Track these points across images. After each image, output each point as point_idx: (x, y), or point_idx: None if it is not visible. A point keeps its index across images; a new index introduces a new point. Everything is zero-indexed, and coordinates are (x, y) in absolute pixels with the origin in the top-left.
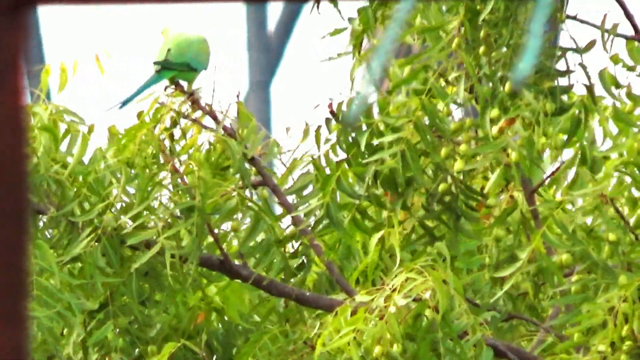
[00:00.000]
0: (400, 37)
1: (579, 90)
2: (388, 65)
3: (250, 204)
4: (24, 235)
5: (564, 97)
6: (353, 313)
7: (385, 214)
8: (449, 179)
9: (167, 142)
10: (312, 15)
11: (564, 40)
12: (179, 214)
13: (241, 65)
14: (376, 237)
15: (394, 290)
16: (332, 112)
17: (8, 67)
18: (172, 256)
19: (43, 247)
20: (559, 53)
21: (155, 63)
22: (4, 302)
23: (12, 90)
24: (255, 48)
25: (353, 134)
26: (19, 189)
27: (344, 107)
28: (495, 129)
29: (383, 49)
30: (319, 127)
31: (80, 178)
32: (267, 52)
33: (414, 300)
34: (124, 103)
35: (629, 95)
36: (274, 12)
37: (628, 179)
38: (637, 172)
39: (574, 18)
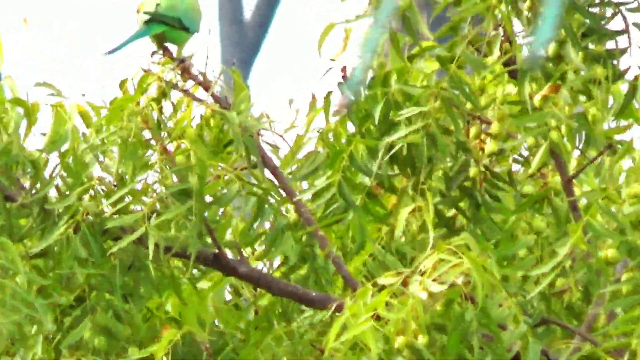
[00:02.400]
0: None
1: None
2: (384, 37)
3: (255, 188)
4: None
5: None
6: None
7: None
8: (473, 162)
9: (154, 115)
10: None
11: None
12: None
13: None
14: (406, 210)
15: (423, 273)
16: (344, 78)
17: None
18: (158, 245)
19: (5, 242)
20: (612, 11)
21: (144, 13)
22: None
23: None
24: (228, 24)
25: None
26: None
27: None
28: (537, 99)
29: (380, 19)
30: (329, 93)
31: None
32: (241, 29)
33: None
34: (110, 52)
35: None
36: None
37: None
38: None
39: None
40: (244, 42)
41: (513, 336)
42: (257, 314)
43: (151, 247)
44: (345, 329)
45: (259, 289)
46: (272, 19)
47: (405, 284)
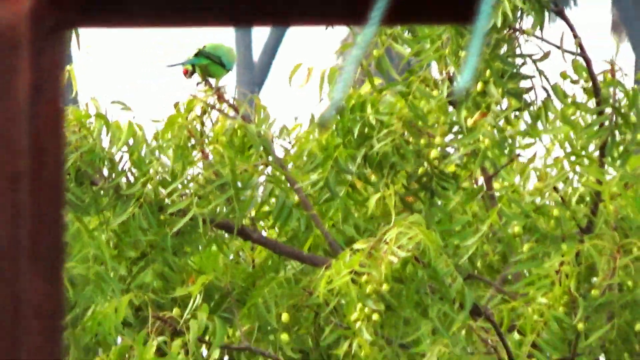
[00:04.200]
0: (362, 58)
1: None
2: (351, 83)
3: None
4: (62, 212)
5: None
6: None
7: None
8: (426, 164)
9: (198, 127)
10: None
11: (526, 50)
12: (209, 187)
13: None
14: (375, 197)
15: (386, 242)
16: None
17: (50, 78)
18: (204, 221)
19: (99, 240)
20: (522, 61)
21: (197, 48)
22: (46, 265)
23: (53, 98)
24: (242, 67)
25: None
26: (58, 175)
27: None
28: (470, 122)
29: (348, 69)
30: (313, 116)
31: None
32: (252, 71)
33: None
34: (171, 65)
35: (573, 102)
36: (260, 39)
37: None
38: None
39: (534, 35)
40: (254, 76)
41: (454, 287)
42: (254, 268)
43: (201, 223)
44: (331, 280)
45: (254, 251)
46: (274, 58)
47: (372, 249)
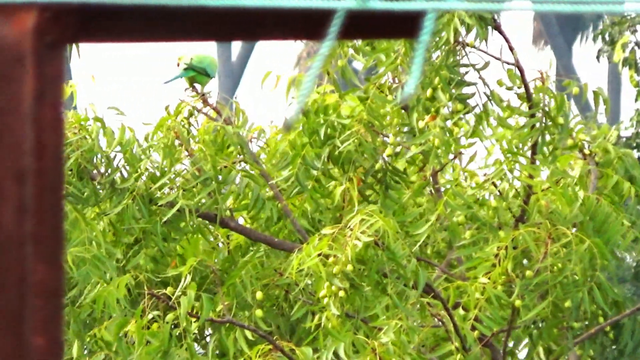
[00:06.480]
0: (323, 68)
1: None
2: (312, 91)
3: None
4: (62, 204)
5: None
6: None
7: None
8: (381, 161)
9: (185, 127)
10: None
11: (470, 61)
12: (193, 181)
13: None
14: (340, 189)
15: (352, 228)
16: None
17: (51, 86)
18: (190, 212)
19: (94, 226)
20: (466, 70)
21: (184, 63)
22: (47, 250)
23: (54, 104)
24: (222, 74)
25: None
26: (58, 171)
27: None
28: (421, 123)
29: (310, 77)
30: (286, 118)
31: (120, 154)
32: (232, 79)
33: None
34: (166, 82)
35: (508, 106)
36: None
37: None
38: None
39: (476, 47)
40: (232, 75)
41: (409, 268)
42: (229, 253)
43: (187, 213)
44: (302, 262)
45: (230, 238)
46: (249, 59)
47: (337, 234)
